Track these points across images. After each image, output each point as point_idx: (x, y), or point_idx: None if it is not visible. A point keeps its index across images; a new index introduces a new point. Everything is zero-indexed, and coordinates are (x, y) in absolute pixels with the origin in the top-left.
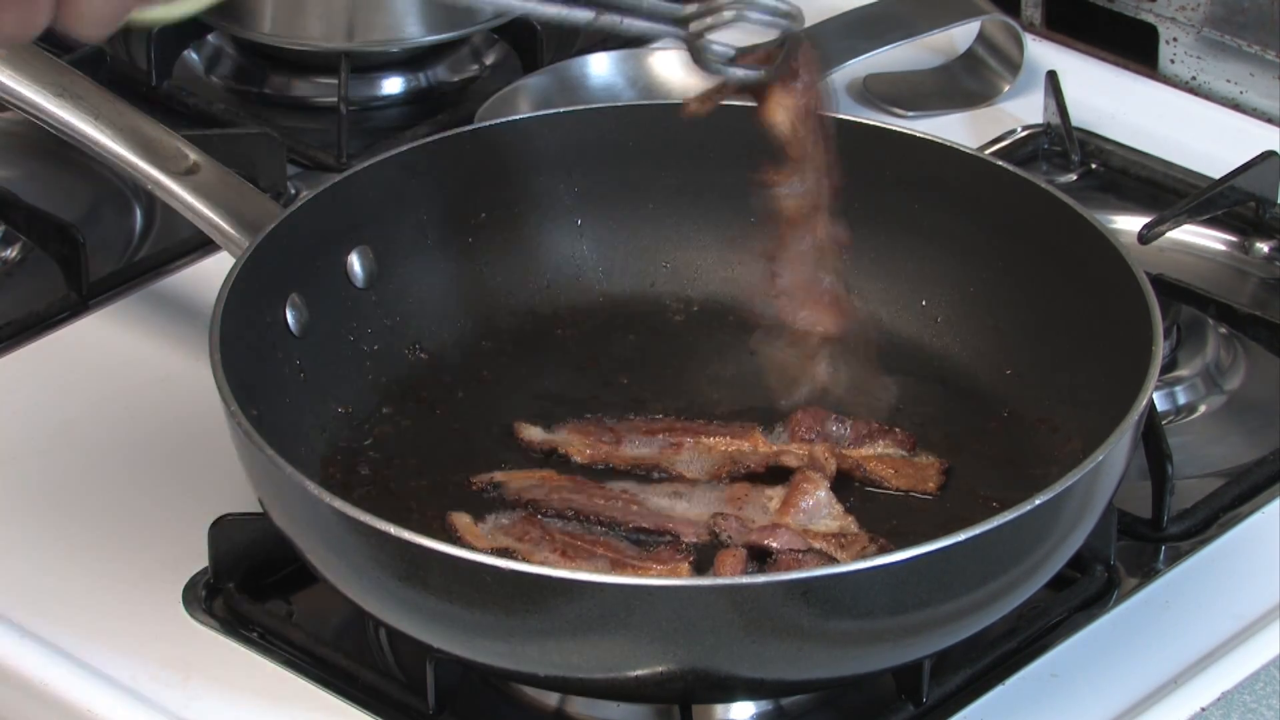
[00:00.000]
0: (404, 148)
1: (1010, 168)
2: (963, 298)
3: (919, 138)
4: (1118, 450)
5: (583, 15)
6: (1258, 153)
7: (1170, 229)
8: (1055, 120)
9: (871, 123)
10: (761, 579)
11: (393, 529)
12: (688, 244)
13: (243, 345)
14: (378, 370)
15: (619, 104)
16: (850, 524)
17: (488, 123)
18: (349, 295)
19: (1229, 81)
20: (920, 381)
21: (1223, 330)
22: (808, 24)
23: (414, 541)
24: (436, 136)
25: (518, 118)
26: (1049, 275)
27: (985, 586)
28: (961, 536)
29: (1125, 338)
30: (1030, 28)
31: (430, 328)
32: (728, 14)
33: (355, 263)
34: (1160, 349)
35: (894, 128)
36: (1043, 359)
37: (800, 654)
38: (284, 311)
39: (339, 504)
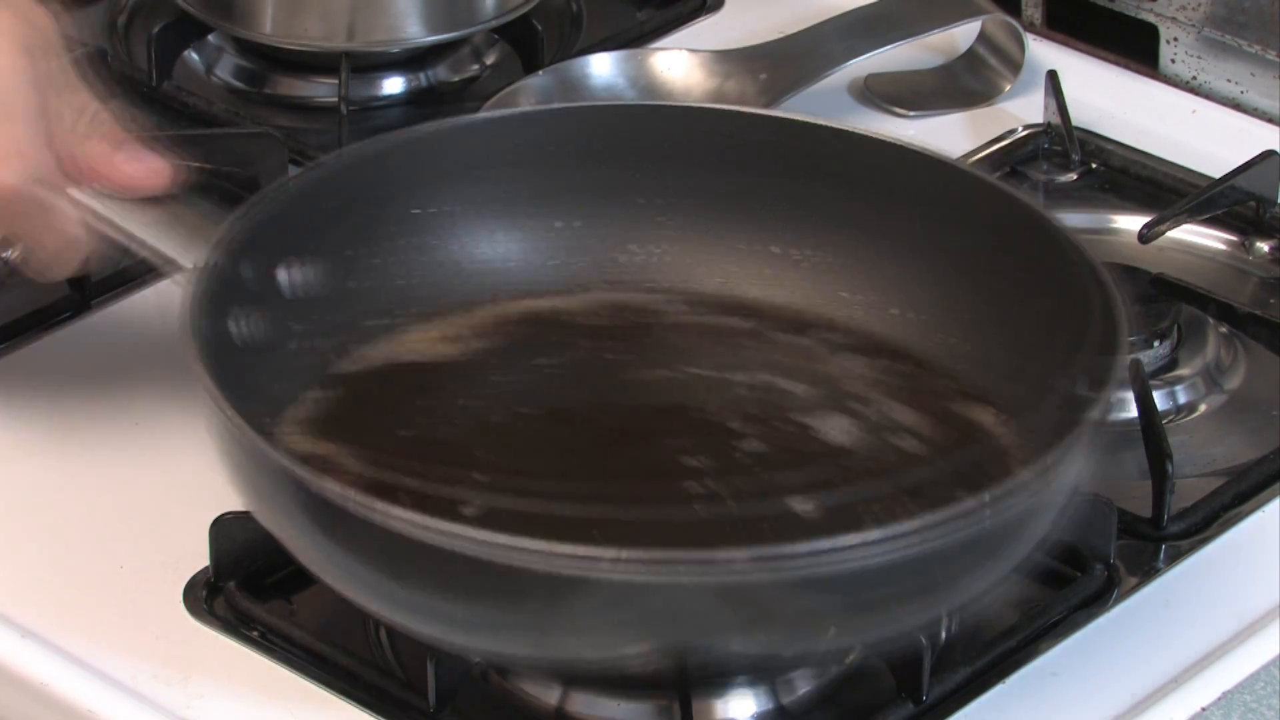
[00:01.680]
0: (388, 139)
1: (970, 169)
2: (931, 300)
3: (872, 139)
4: (1057, 469)
5: None
6: (1258, 152)
7: (1170, 228)
8: (1055, 120)
9: (827, 124)
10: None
11: (379, 505)
12: (683, 243)
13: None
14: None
15: (602, 104)
16: None
17: (460, 120)
18: (293, 305)
19: (1230, 81)
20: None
21: (1223, 330)
22: (808, 24)
23: (403, 525)
24: (416, 130)
25: (488, 115)
26: (1018, 281)
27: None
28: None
29: (1092, 344)
30: (1030, 27)
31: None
32: None
33: (286, 275)
34: (1123, 355)
35: (849, 129)
36: (1010, 364)
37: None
38: (230, 326)
39: (327, 484)
